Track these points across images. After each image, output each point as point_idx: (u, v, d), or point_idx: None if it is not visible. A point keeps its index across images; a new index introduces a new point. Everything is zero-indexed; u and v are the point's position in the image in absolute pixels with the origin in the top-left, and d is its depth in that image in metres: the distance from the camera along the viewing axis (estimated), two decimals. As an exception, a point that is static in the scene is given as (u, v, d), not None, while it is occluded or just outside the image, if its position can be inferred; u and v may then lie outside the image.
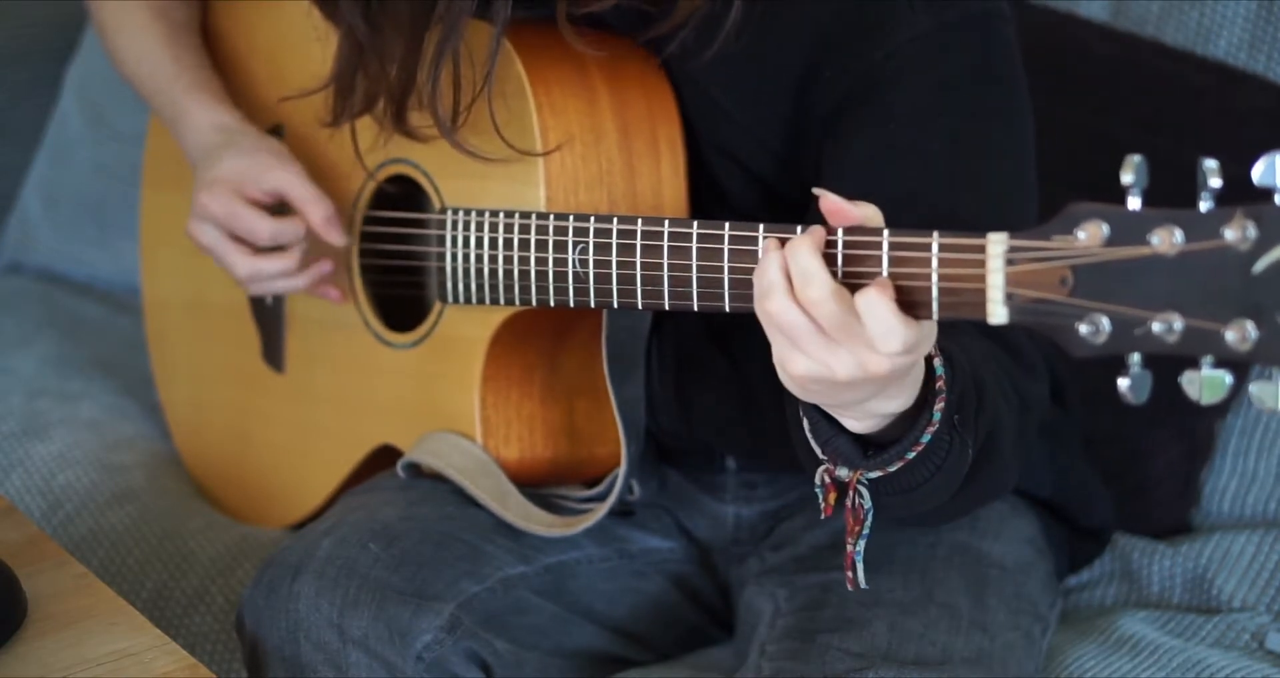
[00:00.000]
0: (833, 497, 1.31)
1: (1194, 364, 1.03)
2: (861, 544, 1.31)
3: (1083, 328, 1.06)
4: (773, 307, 1.17)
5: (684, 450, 1.64)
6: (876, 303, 1.14)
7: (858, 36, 1.43)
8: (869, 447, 1.28)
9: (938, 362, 1.23)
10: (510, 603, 1.53)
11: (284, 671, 1.48)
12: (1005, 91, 1.45)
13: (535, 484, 1.59)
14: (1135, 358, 1.06)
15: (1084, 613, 1.74)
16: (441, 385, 1.58)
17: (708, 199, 1.53)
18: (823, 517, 1.32)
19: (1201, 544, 1.76)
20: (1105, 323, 1.05)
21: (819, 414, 1.27)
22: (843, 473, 1.29)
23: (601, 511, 1.52)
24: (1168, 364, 1.07)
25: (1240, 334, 1.00)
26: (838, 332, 1.16)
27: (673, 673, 1.63)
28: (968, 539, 1.58)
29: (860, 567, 1.33)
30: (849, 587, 1.33)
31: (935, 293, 1.13)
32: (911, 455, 1.25)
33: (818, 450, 1.28)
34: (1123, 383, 1.06)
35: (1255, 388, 1.03)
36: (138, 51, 1.75)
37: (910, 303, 1.15)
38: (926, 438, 1.25)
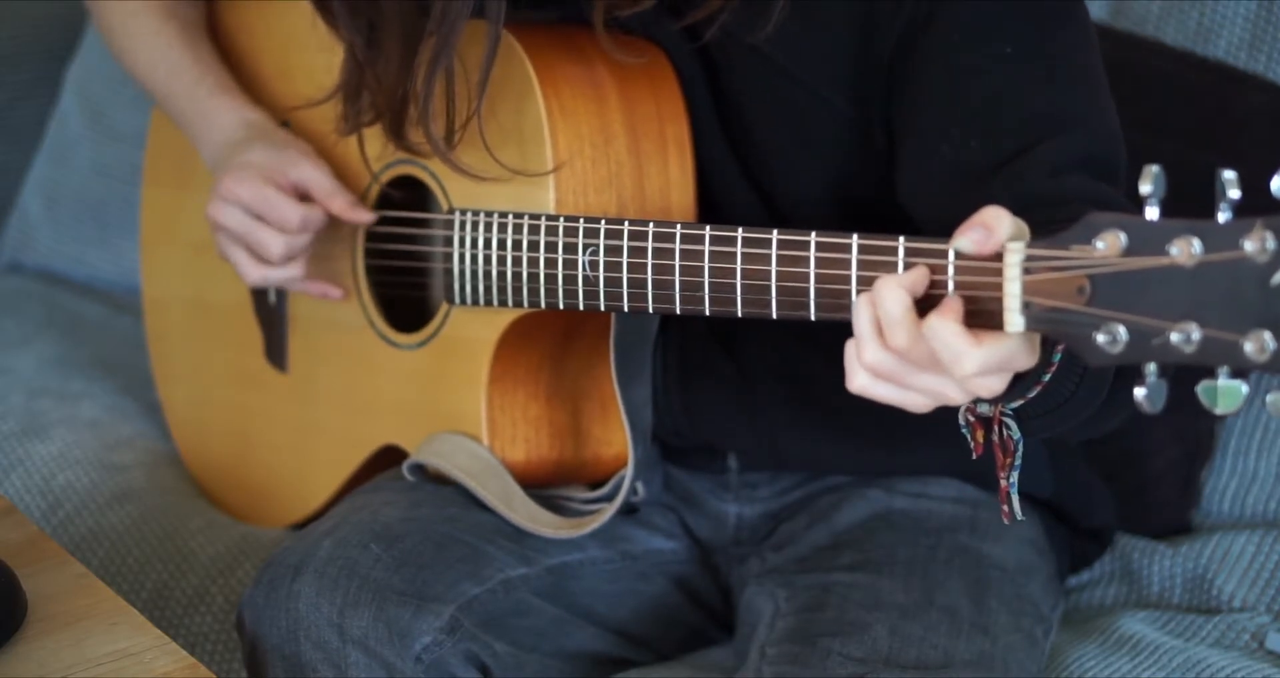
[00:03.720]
0: (980, 434, 1.29)
1: (1210, 374, 1.04)
2: (1015, 475, 1.29)
3: (1100, 337, 1.06)
4: (869, 359, 1.16)
5: (687, 449, 1.65)
6: (940, 327, 1.12)
7: None
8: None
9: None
10: (511, 605, 1.53)
11: (284, 670, 1.48)
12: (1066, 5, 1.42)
13: (541, 486, 1.59)
14: (1151, 367, 1.06)
15: (1084, 613, 1.74)
16: (447, 386, 1.58)
17: (751, 195, 1.50)
18: (974, 456, 1.29)
19: (1201, 544, 1.76)
20: (1122, 332, 1.05)
21: None
22: (984, 409, 1.27)
23: (608, 512, 1.52)
24: (1181, 367, 1.07)
25: (1258, 345, 1.01)
26: (925, 365, 1.15)
27: (673, 674, 1.63)
28: (968, 541, 1.58)
29: (1015, 499, 1.30)
30: (1005, 520, 1.31)
31: (952, 301, 1.13)
32: (1048, 377, 1.22)
33: None
34: (1139, 392, 1.06)
35: (1273, 397, 1.03)
36: (152, 53, 1.75)
37: (926, 309, 1.14)
38: (1057, 357, 1.21)
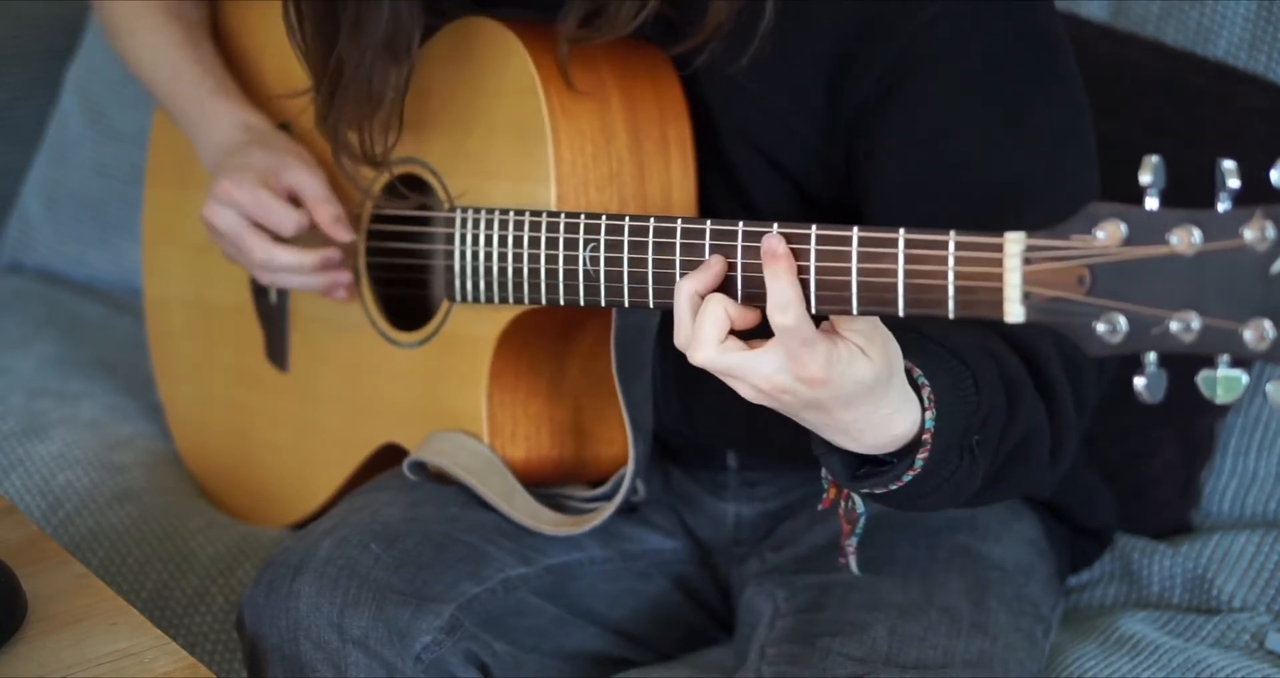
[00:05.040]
0: (833, 492, 1.34)
1: (1209, 363, 1.04)
2: (854, 541, 1.36)
3: (1100, 327, 1.06)
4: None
5: (686, 448, 1.65)
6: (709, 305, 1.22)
7: (886, 20, 1.42)
8: (865, 464, 1.30)
9: (928, 415, 1.25)
10: (511, 605, 1.53)
11: (283, 670, 1.48)
12: (1046, 56, 1.43)
13: (541, 484, 1.58)
14: (1151, 357, 1.06)
15: (1084, 613, 1.74)
16: (448, 384, 1.58)
17: (732, 202, 1.52)
18: (820, 507, 1.35)
19: (1201, 544, 1.76)
20: (1122, 322, 1.05)
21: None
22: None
23: (609, 510, 1.52)
24: (1179, 362, 1.07)
25: (1258, 334, 1.01)
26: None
27: (672, 674, 1.62)
28: (968, 541, 1.58)
29: (854, 560, 1.38)
30: (843, 571, 1.39)
31: (951, 291, 1.13)
32: (894, 488, 1.28)
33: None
34: (1139, 382, 1.06)
35: (1272, 387, 1.03)
36: (154, 53, 1.75)
37: (926, 301, 1.15)
38: (908, 478, 1.27)
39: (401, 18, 1.50)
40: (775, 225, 1.23)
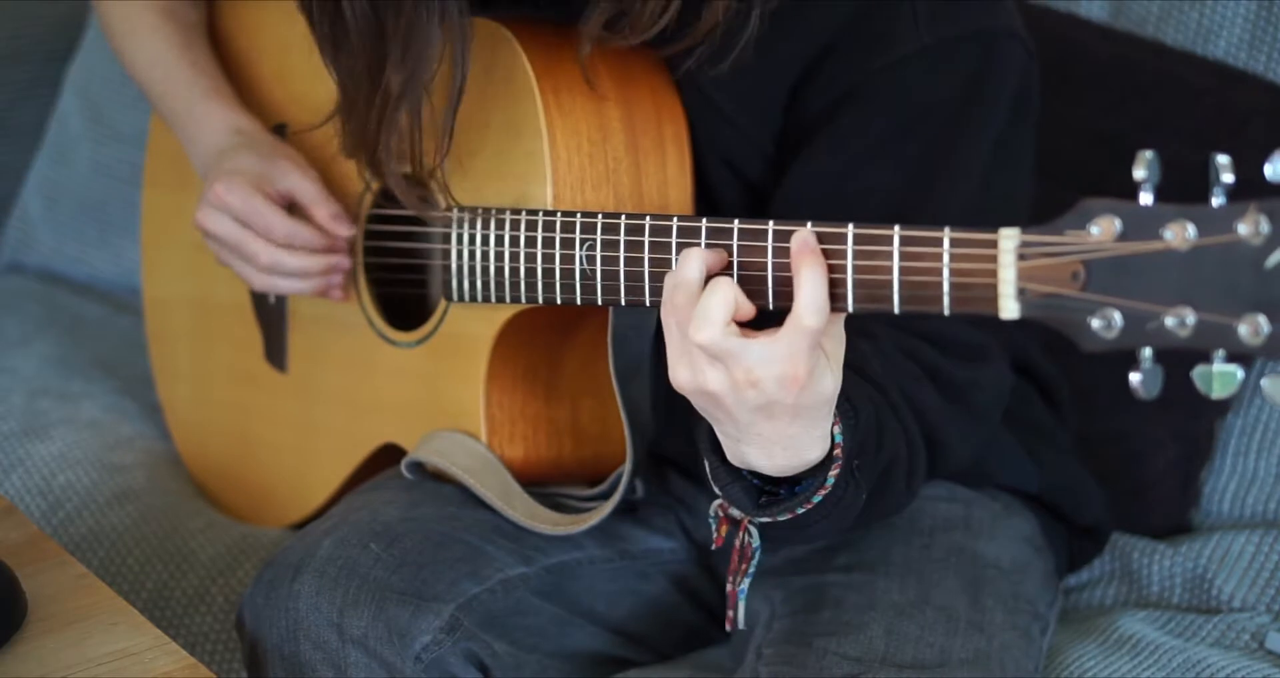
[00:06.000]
0: (724, 529, 1.35)
1: (1205, 359, 1.04)
2: (746, 583, 1.36)
3: (1095, 322, 1.06)
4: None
5: (682, 451, 1.64)
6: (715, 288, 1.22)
7: (860, 47, 1.44)
8: (764, 493, 1.31)
9: (837, 429, 1.26)
10: (511, 604, 1.53)
11: (283, 670, 1.48)
12: (994, 113, 1.45)
13: (539, 483, 1.58)
14: (1147, 353, 1.06)
15: (1084, 613, 1.74)
16: (446, 384, 1.58)
17: (702, 207, 1.53)
18: (712, 547, 1.36)
19: (1201, 544, 1.76)
20: (1117, 317, 1.05)
21: (718, 459, 1.30)
22: (735, 512, 1.33)
23: (607, 508, 1.52)
24: (1176, 360, 1.07)
25: (1253, 328, 1.01)
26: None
27: (672, 673, 1.62)
28: (963, 540, 1.58)
29: (742, 607, 1.38)
30: (727, 626, 1.39)
31: (946, 288, 1.13)
32: (802, 511, 1.29)
33: (716, 490, 1.32)
34: (1134, 378, 1.06)
35: (1267, 382, 1.03)
36: (150, 54, 1.75)
37: (921, 298, 1.15)
38: (818, 499, 1.28)
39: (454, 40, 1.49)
40: (771, 223, 1.23)
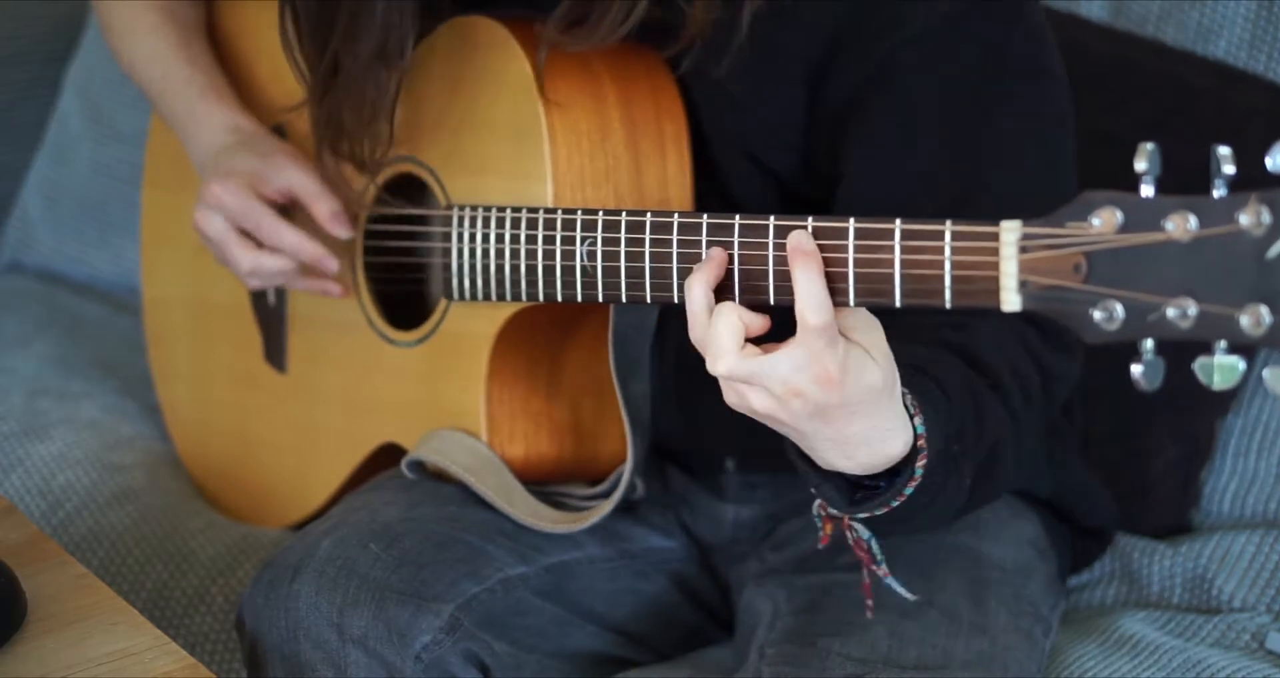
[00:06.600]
0: (829, 527, 1.35)
1: (1207, 350, 1.04)
2: (883, 565, 1.35)
3: (1097, 314, 1.06)
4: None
5: (684, 451, 1.64)
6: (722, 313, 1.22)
7: (870, 29, 1.43)
8: (860, 489, 1.30)
9: (917, 420, 1.26)
10: (511, 604, 1.53)
11: (283, 670, 1.48)
12: (1024, 76, 1.45)
13: (540, 482, 1.58)
14: (1148, 344, 1.06)
15: (1084, 613, 1.74)
16: (446, 383, 1.58)
17: (722, 204, 1.52)
18: (820, 546, 1.36)
19: (1201, 544, 1.76)
20: (1119, 309, 1.05)
21: (806, 464, 1.30)
22: (834, 511, 1.32)
23: (607, 507, 1.52)
24: (1177, 360, 1.07)
25: (1254, 319, 1.01)
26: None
27: (672, 673, 1.62)
28: (968, 541, 1.58)
29: (897, 585, 1.37)
30: (868, 614, 1.40)
31: (948, 281, 1.13)
32: (896, 504, 1.28)
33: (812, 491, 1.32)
34: (1135, 369, 1.06)
35: (1269, 372, 1.03)
36: (148, 53, 1.76)
37: (923, 291, 1.15)
38: (909, 490, 1.27)
39: (394, 22, 1.50)
40: (772, 218, 1.23)
